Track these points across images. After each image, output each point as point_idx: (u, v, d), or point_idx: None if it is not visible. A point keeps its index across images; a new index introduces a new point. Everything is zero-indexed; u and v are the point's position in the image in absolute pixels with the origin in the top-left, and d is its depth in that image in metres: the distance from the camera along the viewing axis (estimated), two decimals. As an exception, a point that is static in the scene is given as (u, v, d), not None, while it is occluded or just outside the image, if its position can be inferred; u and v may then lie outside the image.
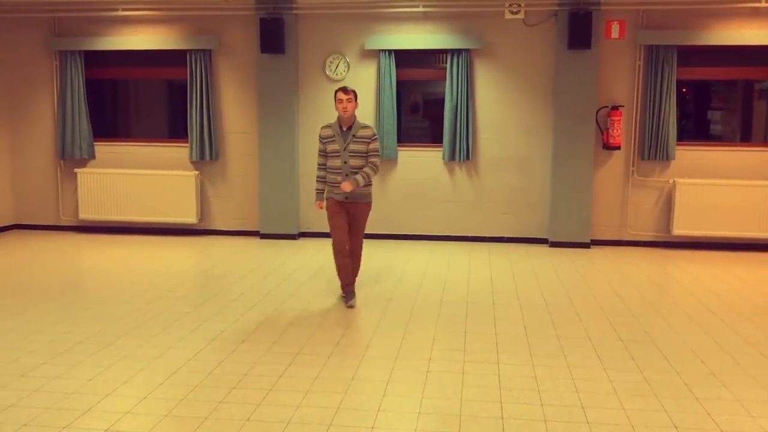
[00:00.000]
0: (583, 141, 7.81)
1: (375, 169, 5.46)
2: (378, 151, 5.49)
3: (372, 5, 7.98)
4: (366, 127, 5.47)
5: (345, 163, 5.41)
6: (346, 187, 5.27)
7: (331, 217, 5.51)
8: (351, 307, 5.47)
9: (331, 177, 5.48)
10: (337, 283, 6.23)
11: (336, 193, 5.47)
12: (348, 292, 5.55)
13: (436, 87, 8.42)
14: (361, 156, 5.42)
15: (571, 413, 3.52)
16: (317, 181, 5.64)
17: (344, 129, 5.45)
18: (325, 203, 5.58)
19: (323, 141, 5.51)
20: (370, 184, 5.52)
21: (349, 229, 5.53)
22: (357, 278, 5.84)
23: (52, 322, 4.98)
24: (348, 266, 5.53)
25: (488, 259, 7.31)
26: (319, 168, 5.61)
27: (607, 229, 8.09)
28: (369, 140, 5.43)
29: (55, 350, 4.40)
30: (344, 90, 5.40)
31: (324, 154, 5.54)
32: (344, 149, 5.41)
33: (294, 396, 3.72)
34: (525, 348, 4.52)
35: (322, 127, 5.56)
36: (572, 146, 7.83)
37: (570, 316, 5.27)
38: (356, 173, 5.38)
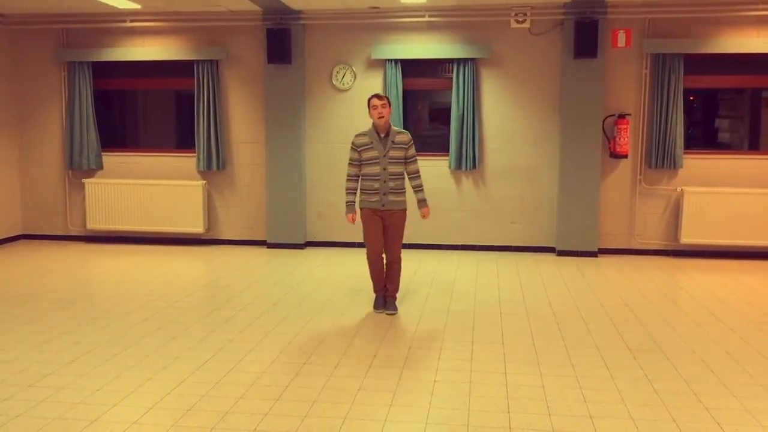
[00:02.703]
0: (590, 149, 7.80)
1: (420, 175, 5.54)
2: (416, 156, 5.52)
3: (378, 15, 8.01)
4: (402, 132, 5.44)
5: (384, 169, 5.36)
6: (427, 214, 5.53)
7: (365, 226, 5.46)
8: (390, 314, 5.51)
9: (366, 184, 5.41)
10: (343, 293, 6.24)
11: (372, 201, 5.41)
12: (379, 299, 5.64)
13: (442, 96, 8.43)
14: (399, 162, 5.40)
15: (579, 423, 3.50)
16: (348, 193, 5.47)
17: (382, 136, 5.38)
18: (357, 214, 5.46)
19: (359, 149, 5.38)
20: (404, 191, 5.49)
21: (386, 237, 5.49)
22: (400, 290, 5.75)
23: (59, 332, 4.99)
24: (381, 273, 5.58)
25: (496, 269, 7.29)
26: (349, 179, 5.46)
27: (614, 238, 8.06)
28: (407, 146, 5.42)
29: (62, 360, 4.41)
30: (378, 96, 5.34)
31: (357, 163, 5.42)
32: (384, 156, 5.35)
33: (301, 406, 3.71)
34: (533, 358, 4.50)
35: (357, 135, 5.44)
36: (579, 155, 7.81)
37: (578, 325, 5.25)
38: (395, 179, 5.38)
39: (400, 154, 5.39)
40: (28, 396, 3.83)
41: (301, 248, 8.34)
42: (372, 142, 5.37)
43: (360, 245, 8.33)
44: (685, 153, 7.80)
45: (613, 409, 3.68)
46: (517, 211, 8.18)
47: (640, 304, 5.89)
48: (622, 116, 7.68)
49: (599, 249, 7.99)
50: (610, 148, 7.84)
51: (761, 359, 4.49)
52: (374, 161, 5.36)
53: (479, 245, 8.27)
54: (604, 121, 7.81)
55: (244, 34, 8.28)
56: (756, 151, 7.99)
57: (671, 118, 7.65)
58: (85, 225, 8.81)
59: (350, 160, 5.46)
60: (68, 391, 3.90)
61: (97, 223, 8.67)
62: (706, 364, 4.40)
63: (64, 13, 8.40)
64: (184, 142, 8.92)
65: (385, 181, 5.37)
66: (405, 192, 5.50)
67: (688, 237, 7.75)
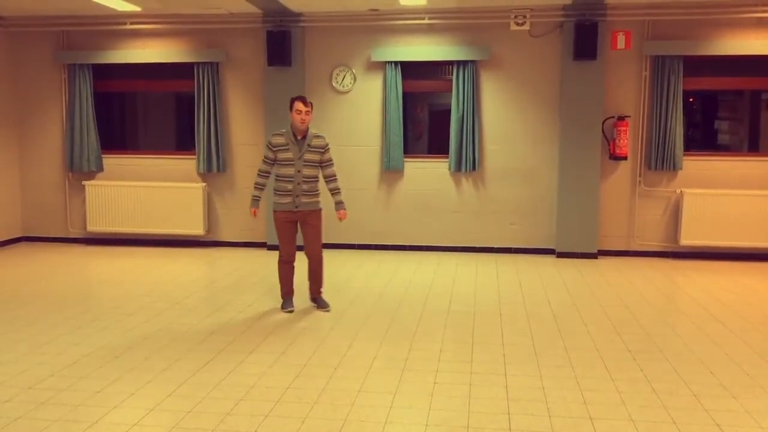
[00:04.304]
0: (590, 151, 7.81)
1: (337, 178, 5.62)
2: (332, 160, 5.60)
3: (378, 17, 8.02)
4: (319, 137, 5.52)
5: (298, 172, 5.43)
6: (343, 216, 5.56)
7: (279, 229, 5.56)
8: (325, 311, 5.63)
9: (280, 185, 5.46)
10: (342, 294, 6.24)
11: (284, 203, 5.47)
12: (288, 301, 5.71)
13: (442, 98, 8.44)
14: (314, 165, 5.48)
15: (579, 425, 3.51)
16: (255, 187, 5.60)
17: (299, 138, 5.45)
18: (262, 212, 5.53)
19: (274, 149, 5.43)
20: (318, 193, 5.55)
21: (304, 238, 5.61)
22: (323, 287, 5.86)
23: (60, 334, 5.00)
24: (290, 277, 5.73)
25: (495, 270, 7.29)
26: (260, 175, 5.57)
27: (614, 240, 8.06)
28: (323, 150, 5.50)
29: (63, 362, 4.41)
30: (303, 101, 5.40)
31: (271, 162, 5.49)
32: (299, 158, 5.42)
33: (301, 408, 3.71)
34: (532, 359, 4.50)
35: (273, 135, 5.50)
36: (579, 156, 7.82)
37: (578, 326, 5.25)
38: (308, 182, 5.45)
39: (315, 157, 5.46)
40: (29, 398, 3.84)
41: (301, 249, 8.32)
42: (288, 144, 5.43)
43: (360, 247, 8.34)
44: (684, 155, 7.80)
45: (612, 411, 3.68)
46: (516, 213, 8.18)
47: (640, 305, 5.89)
48: (621, 118, 7.69)
49: (599, 251, 7.99)
50: (609, 149, 7.85)
51: (761, 360, 4.50)
52: (289, 163, 5.42)
53: (479, 247, 8.27)
54: (603, 123, 7.82)
55: (244, 36, 8.29)
56: (755, 153, 8.00)
57: (671, 119, 7.66)
58: (85, 227, 8.81)
59: (264, 157, 5.54)
60: (69, 393, 3.90)
61: (97, 225, 8.68)
62: (706, 365, 4.40)
63: (64, 16, 8.41)
64: (184, 144, 8.93)
65: (298, 183, 5.43)
66: (319, 194, 5.57)
67: (688, 239, 7.76)
